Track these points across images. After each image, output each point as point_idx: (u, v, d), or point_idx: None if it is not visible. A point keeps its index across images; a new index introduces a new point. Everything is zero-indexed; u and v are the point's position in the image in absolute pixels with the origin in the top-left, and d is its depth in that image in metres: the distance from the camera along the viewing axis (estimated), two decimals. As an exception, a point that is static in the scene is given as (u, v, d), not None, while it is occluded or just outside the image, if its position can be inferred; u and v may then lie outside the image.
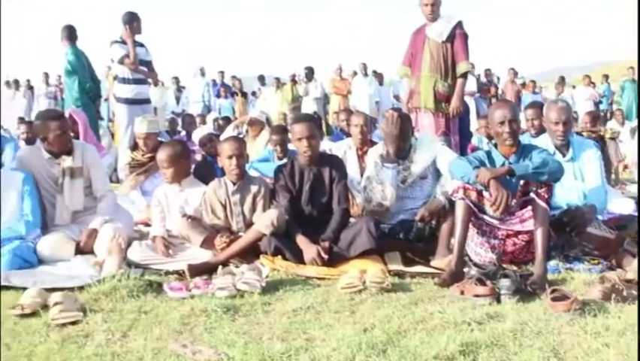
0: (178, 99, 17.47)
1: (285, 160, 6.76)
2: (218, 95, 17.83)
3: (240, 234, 4.92)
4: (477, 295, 3.82)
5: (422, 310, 3.65)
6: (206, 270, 4.48)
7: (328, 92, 17.10)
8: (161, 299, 3.97)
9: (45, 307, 3.77)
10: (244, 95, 18.49)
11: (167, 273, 4.60)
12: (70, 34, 8.84)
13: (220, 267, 4.41)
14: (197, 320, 3.57)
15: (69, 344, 3.27)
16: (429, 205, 4.98)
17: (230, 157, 5.06)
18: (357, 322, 3.50)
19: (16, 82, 19.52)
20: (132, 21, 8.51)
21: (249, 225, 5.02)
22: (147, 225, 6.18)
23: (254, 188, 5.12)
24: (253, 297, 3.94)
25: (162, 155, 5.38)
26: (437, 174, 5.34)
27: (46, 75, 18.61)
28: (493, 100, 15.33)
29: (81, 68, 8.82)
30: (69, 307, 3.66)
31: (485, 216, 4.56)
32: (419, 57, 6.97)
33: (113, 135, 11.27)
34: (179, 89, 17.95)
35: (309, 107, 15.91)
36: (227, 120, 11.75)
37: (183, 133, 10.59)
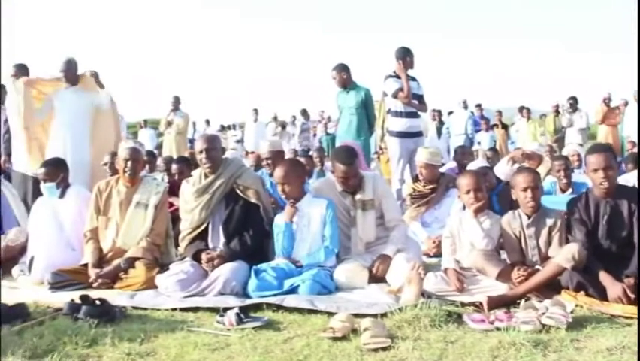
0: (439, 131, 17.64)
1: (569, 191, 6.56)
2: (477, 130, 17.78)
3: (537, 267, 4.80)
4: None
5: None
6: (504, 302, 4.42)
7: (594, 122, 16.37)
8: (463, 330, 3.98)
9: (353, 331, 3.92)
10: (504, 127, 18.23)
11: (463, 304, 4.59)
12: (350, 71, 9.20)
13: (522, 300, 4.33)
14: (507, 353, 3.52)
15: (386, 369, 3.38)
16: None
17: (525, 189, 4.94)
18: (682, 366, 3.27)
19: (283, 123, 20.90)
20: (405, 56, 8.70)
21: (544, 258, 4.87)
22: (428, 256, 6.27)
23: (549, 221, 4.95)
24: (560, 333, 3.81)
25: (466, 179, 5.32)
26: None
27: (305, 111, 19.86)
28: None
29: (371, 104, 9.19)
30: (379, 333, 3.78)
31: None
32: None
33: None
34: (441, 122, 18.09)
35: (573, 138, 15.29)
36: (495, 152, 11.60)
37: (451, 165, 10.57)
